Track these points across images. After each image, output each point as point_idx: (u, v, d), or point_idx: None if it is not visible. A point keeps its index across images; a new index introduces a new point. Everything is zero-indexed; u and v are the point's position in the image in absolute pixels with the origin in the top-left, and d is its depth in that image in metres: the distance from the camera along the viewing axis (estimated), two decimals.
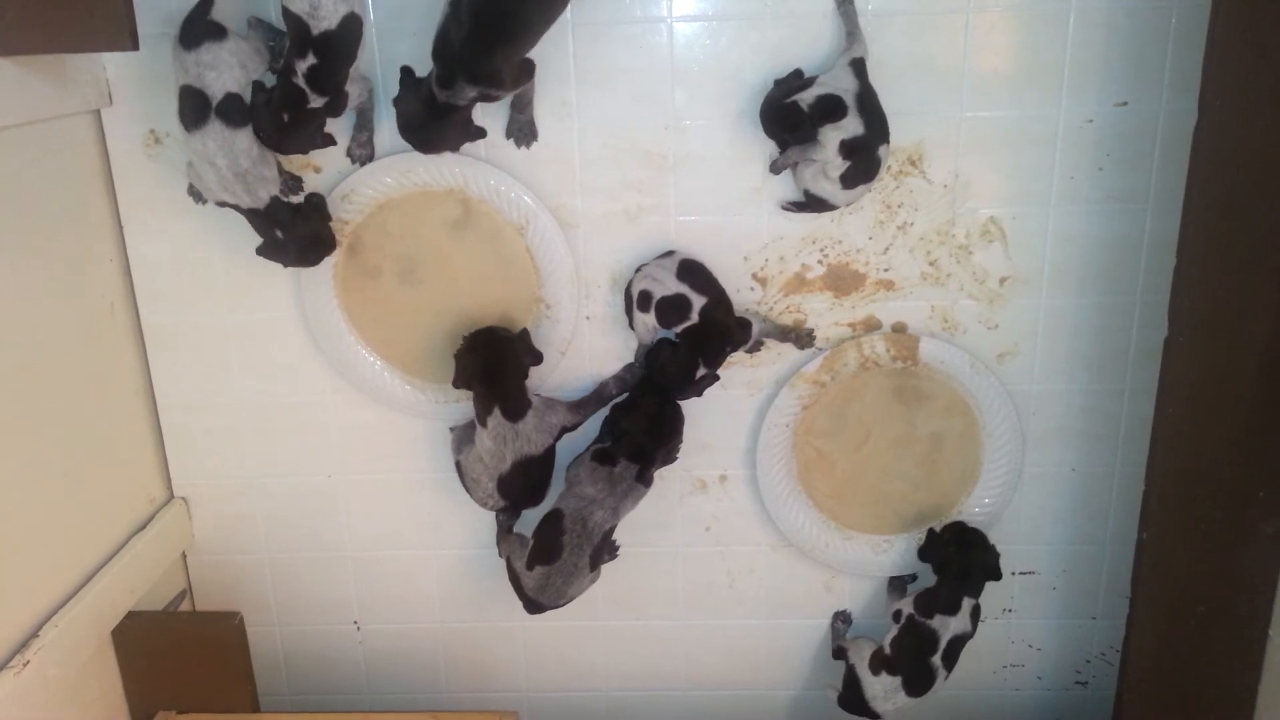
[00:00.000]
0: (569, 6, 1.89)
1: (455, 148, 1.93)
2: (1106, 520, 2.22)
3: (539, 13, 1.70)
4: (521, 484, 1.99)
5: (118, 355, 2.11)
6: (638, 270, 1.99)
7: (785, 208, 1.99)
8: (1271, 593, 1.91)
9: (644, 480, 1.99)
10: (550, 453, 2.00)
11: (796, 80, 1.89)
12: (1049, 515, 2.22)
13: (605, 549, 2.04)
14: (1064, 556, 2.25)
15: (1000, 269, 2.06)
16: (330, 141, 1.90)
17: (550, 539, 1.98)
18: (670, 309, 1.94)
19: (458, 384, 1.98)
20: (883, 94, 1.87)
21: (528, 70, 1.84)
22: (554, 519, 1.98)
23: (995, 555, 2.08)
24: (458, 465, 2.08)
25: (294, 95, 1.76)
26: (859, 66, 1.84)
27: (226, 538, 2.30)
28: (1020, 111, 1.95)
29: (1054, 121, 1.96)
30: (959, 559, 2.06)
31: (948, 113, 1.96)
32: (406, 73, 1.82)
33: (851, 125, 1.83)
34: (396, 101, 1.84)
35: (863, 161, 1.85)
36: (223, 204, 1.87)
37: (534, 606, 2.04)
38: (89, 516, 1.99)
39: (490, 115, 1.96)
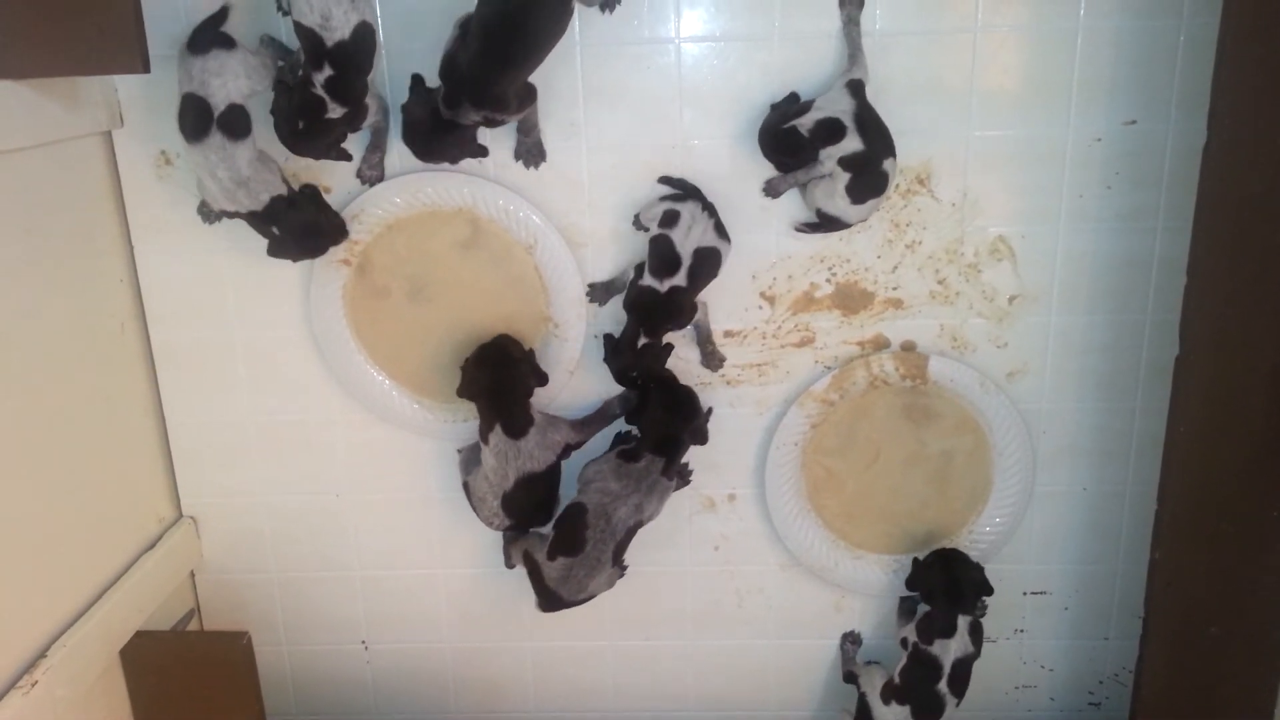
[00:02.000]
0: (577, 28, 1.91)
1: (455, 161, 1.94)
2: (1118, 540, 2.20)
3: (545, 35, 1.72)
4: (526, 501, 1.99)
5: (128, 374, 2.12)
6: (686, 198, 1.93)
7: (799, 229, 1.99)
8: None
9: (669, 474, 1.99)
10: (554, 470, 2.00)
11: (793, 105, 1.90)
12: (1060, 535, 2.21)
13: (627, 545, 2.02)
14: (1076, 576, 2.24)
15: (1009, 287, 2.05)
16: (346, 156, 1.90)
17: (574, 531, 1.97)
18: (662, 262, 1.91)
19: (461, 393, 1.98)
20: (890, 113, 1.87)
21: (530, 94, 1.85)
22: (577, 512, 1.98)
23: (980, 570, 2.07)
24: (465, 486, 2.08)
25: (312, 104, 1.77)
26: (856, 87, 1.85)
27: (235, 557, 2.30)
28: (1028, 130, 1.95)
29: (1062, 140, 1.96)
30: (944, 580, 2.05)
31: (956, 131, 1.96)
32: (417, 80, 1.84)
33: (851, 143, 1.83)
34: (404, 107, 1.86)
35: (868, 176, 1.86)
36: (226, 213, 1.87)
37: (552, 601, 2.02)
38: (97, 535, 1.99)
39: (499, 137, 1.96)
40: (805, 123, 1.85)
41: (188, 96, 1.78)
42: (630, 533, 2.00)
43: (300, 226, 1.93)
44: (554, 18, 1.71)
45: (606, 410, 2.09)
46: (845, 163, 1.84)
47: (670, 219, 1.91)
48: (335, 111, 1.78)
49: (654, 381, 2.02)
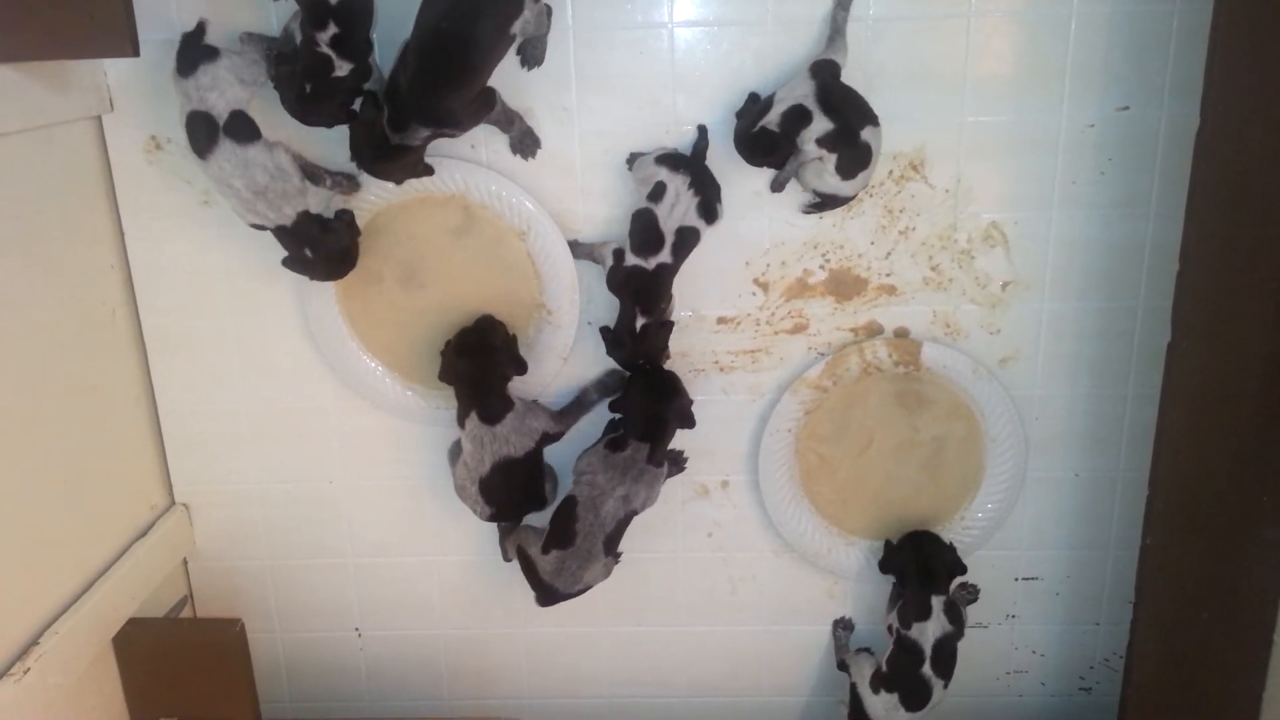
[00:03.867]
0: (570, 13, 1.90)
1: (399, 183, 1.94)
2: (1110, 525, 2.21)
3: (483, 52, 1.71)
4: (504, 488, 1.98)
5: (119, 361, 2.11)
6: (679, 168, 1.89)
7: (806, 211, 1.99)
8: (1276, 598, 1.90)
9: (656, 460, 1.98)
10: (532, 457, 1.99)
11: (756, 105, 1.89)
12: (1052, 520, 2.22)
13: (619, 536, 2.02)
14: (1067, 562, 2.25)
15: (1002, 274, 2.05)
16: (353, 118, 1.86)
17: (565, 524, 1.98)
18: (646, 239, 1.90)
19: (441, 378, 1.99)
20: (884, 99, 1.87)
21: (487, 103, 1.83)
22: (568, 505, 1.99)
23: (951, 550, 2.08)
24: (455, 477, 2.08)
25: (318, 64, 1.74)
26: (819, 68, 1.83)
27: (228, 544, 2.29)
28: (1022, 116, 1.95)
29: (1056, 126, 1.95)
30: (915, 561, 2.07)
31: (949, 117, 1.96)
32: (370, 97, 1.82)
33: (820, 124, 1.82)
34: (353, 125, 1.83)
35: (849, 150, 1.84)
36: (255, 226, 1.86)
37: (548, 594, 2.03)
38: (90, 523, 1.99)
39: (493, 128, 1.95)
40: (772, 119, 1.84)
41: (191, 115, 1.77)
42: (621, 524, 2.00)
43: (336, 253, 1.93)
44: (490, 36, 1.70)
45: (584, 398, 2.09)
46: (824, 143, 1.83)
47: (657, 192, 1.88)
48: (342, 69, 1.75)
49: (635, 374, 2.03)
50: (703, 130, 1.96)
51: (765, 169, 1.95)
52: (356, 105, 1.83)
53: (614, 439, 1.99)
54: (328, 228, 1.92)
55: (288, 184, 1.84)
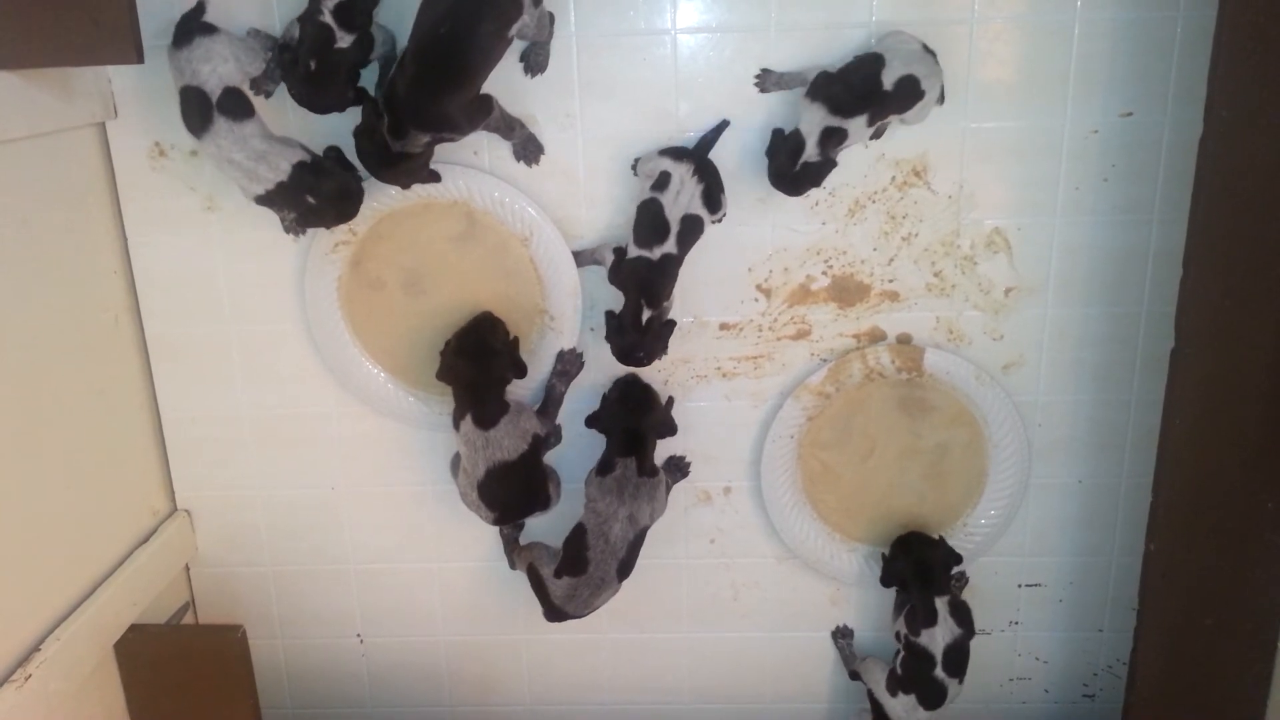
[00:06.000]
0: (572, 20, 1.91)
1: (406, 186, 1.94)
2: (1113, 532, 2.21)
3: (482, 54, 1.71)
4: (501, 490, 1.97)
5: (121, 367, 2.11)
6: (682, 158, 1.89)
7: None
8: None
9: (646, 471, 1.97)
10: (528, 459, 1.97)
11: (787, 142, 1.86)
12: (1055, 527, 2.21)
13: (633, 559, 2.02)
14: (1071, 568, 2.24)
15: (1005, 280, 2.05)
16: (362, 97, 1.86)
17: (576, 552, 1.98)
18: (653, 229, 1.89)
19: (439, 378, 1.99)
20: None
21: (484, 108, 1.82)
22: (579, 533, 1.99)
23: (942, 546, 2.08)
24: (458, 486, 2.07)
25: (321, 35, 1.75)
26: (815, 89, 1.83)
27: (230, 550, 2.29)
28: (1025, 122, 1.95)
29: (1059, 132, 1.95)
30: (911, 567, 2.06)
31: (952, 123, 1.95)
32: (371, 104, 1.81)
33: (858, 128, 1.82)
34: (356, 134, 1.83)
35: (890, 105, 1.83)
36: (260, 199, 1.85)
37: (557, 615, 2.04)
38: (92, 529, 1.99)
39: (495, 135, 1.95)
40: (811, 153, 1.83)
41: (184, 91, 1.78)
42: (634, 546, 2.00)
43: (335, 191, 1.90)
44: (488, 39, 1.70)
45: (552, 394, 2.08)
46: (873, 122, 1.83)
47: (662, 181, 1.88)
48: (344, 40, 1.76)
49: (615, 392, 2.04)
50: (724, 124, 1.95)
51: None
52: (362, 102, 1.84)
53: (602, 462, 1.99)
54: (321, 169, 1.89)
55: (287, 146, 1.84)
